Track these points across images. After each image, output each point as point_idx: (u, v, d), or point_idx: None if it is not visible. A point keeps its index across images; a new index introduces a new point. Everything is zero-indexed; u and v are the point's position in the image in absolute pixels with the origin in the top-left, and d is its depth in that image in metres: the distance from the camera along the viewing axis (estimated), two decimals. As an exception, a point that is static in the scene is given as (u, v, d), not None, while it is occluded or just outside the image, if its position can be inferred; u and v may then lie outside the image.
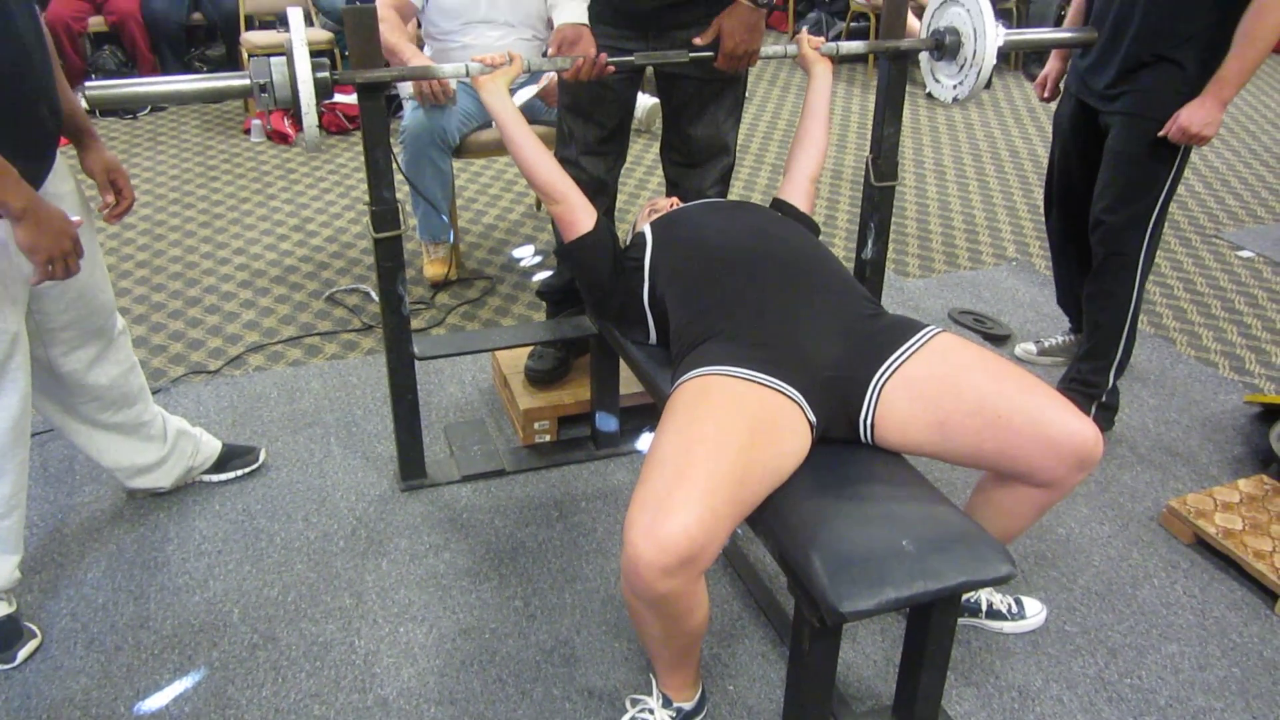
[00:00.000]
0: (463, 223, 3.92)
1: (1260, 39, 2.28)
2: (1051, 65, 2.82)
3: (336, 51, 5.26)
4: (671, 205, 2.21)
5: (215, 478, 2.46)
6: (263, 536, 2.31)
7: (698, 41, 2.30)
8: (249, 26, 5.38)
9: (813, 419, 1.66)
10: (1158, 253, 2.62)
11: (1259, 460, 2.64)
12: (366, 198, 2.16)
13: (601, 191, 2.60)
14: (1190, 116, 2.36)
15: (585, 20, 2.28)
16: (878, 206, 2.52)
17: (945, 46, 2.40)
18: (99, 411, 2.17)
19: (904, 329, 1.76)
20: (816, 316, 1.77)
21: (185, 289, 3.46)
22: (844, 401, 1.71)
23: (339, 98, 5.08)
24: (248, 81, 1.92)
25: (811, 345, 1.72)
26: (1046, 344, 3.14)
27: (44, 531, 2.31)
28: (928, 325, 1.77)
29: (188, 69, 5.48)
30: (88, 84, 1.86)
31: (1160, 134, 2.42)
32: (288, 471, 2.53)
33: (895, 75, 2.43)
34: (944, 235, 4.07)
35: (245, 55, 5.15)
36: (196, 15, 5.48)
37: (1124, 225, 2.53)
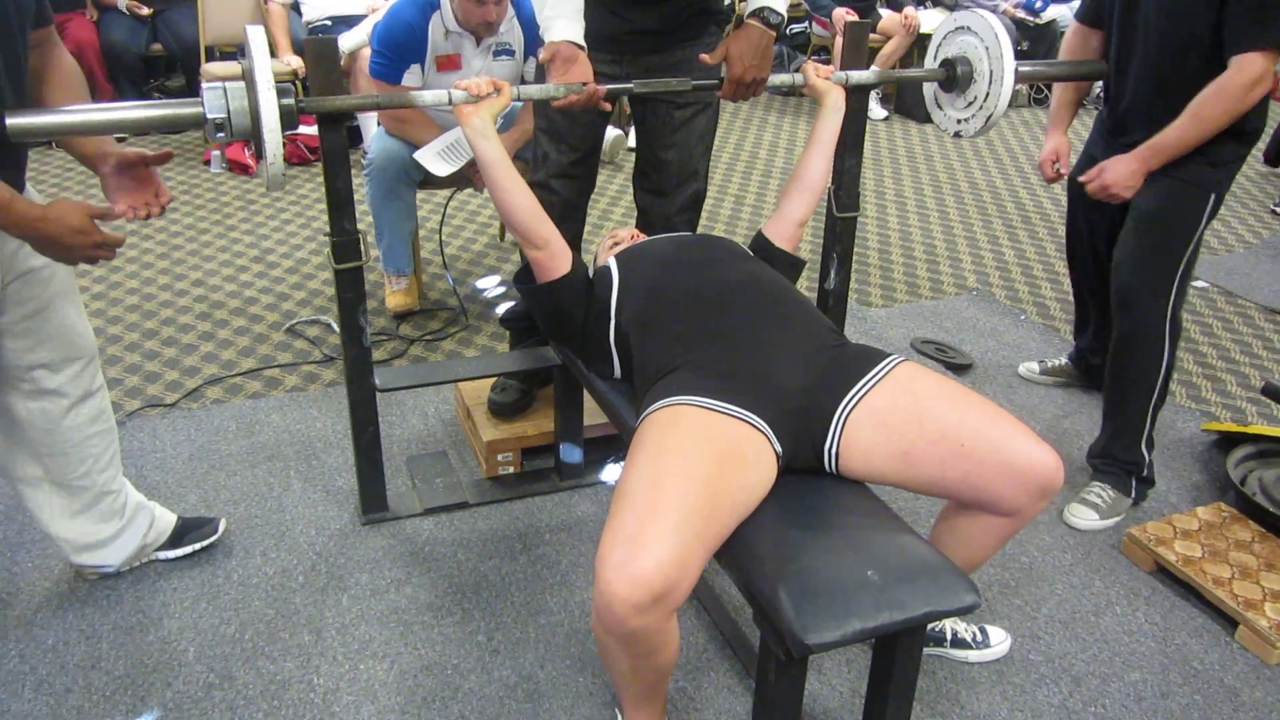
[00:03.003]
0: (425, 254, 3.90)
1: (1207, 121, 2.22)
2: (1059, 142, 2.68)
3: (298, 84, 5.24)
4: (632, 238, 2.22)
5: (170, 554, 2.28)
6: (219, 573, 2.26)
7: (706, 59, 2.22)
8: (210, 57, 5.34)
9: (779, 449, 1.66)
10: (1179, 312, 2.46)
11: (1217, 488, 2.67)
12: (328, 228, 2.14)
13: (571, 215, 2.61)
14: (1113, 173, 2.34)
15: (582, 41, 2.14)
16: (840, 237, 2.54)
17: (956, 79, 2.32)
18: (63, 470, 2.01)
19: (867, 358, 1.76)
20: (781, 347, 1.77)
21: (142, 321, 3.41)
22: (809, 431, 1.71)
23: (300, 128, 5.05)
24: (199, 110, 1.74)
25: (777, 375, 1.72)
26: (1049, 364, 3.19)
27: (-7, 570, 2.25)
28: (891, 354, 1.78)
29: (146, 100, 5.42)
30: (8, 113, 1.61)
31: (1081, 179, 2.42)
32: (246, 506, 2.48)
33: (855, 108, 2.45)
34: (905, 265, 4.10)
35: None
36: (156, 46, 5.43)
37: (1147, 291, 2.41)
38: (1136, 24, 2.33)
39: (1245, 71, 2.15)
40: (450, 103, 1.96)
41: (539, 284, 2.04)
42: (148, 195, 1.84)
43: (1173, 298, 2.41)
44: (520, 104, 3.49)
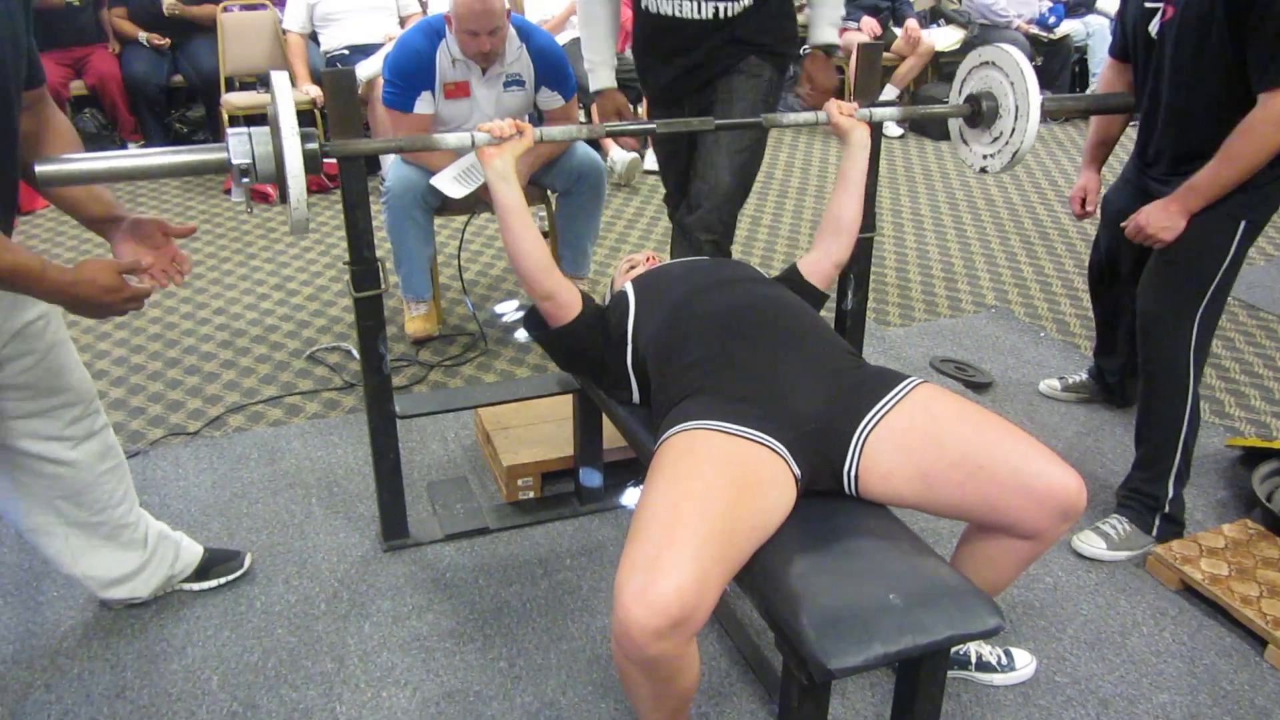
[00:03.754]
0: (443, 279, 3.92)
1: (1240, 160, 2.15)
2: (1089, 179, 2.65)
3: (317, 114, 5.29)
4: (648, 261, 2.22)
5: (196, 586, 2.28)
6: (242, 600, 2.27)
7: (800, 93, 2.82)
8: (229, 88, 5.41)
9: (797, 472, 1.66)
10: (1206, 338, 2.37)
11: (1243, 504, 2.64)
12: (347, 256, 2.16)
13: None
14: (1150, 216, 2.29)
15: (614, 83, 2.84)
16: (857, 257, 2.53)
17: (981, 114, 2.28)
18: (77, 510, 2.00)
19: (886, 380, 1.76)
20: (799, 370, 1.77)
21: (165, 350, 3.44)
22: (828, 453, 1.71)
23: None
24: (223, 155, 1.74)
25: (795, 398, 1.72)
26: (1070, 380, 3.18)
27: (17, 600, 2.27)
28: (909, 376, 1.78)
29: (168, 131, 5.49)
30: (37, 161, 1.65)
31: (1121, 225, 2.40)
32: (268, 534, 2.49)
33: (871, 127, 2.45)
34: (923, 284, 4.10)
35: (225, 117, 5.17)
36: (177, 77, 5.50)
37: (1168, 319, 2.35)
38: (1158, 58, 2.31)
39: (1271, 108, 2.09)
40: (473, 145, 1.94)
41: (550, 330, 2.03)
42: (165, 261, 1.83)
43: (1196, 327, 2.32)
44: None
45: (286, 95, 1.73)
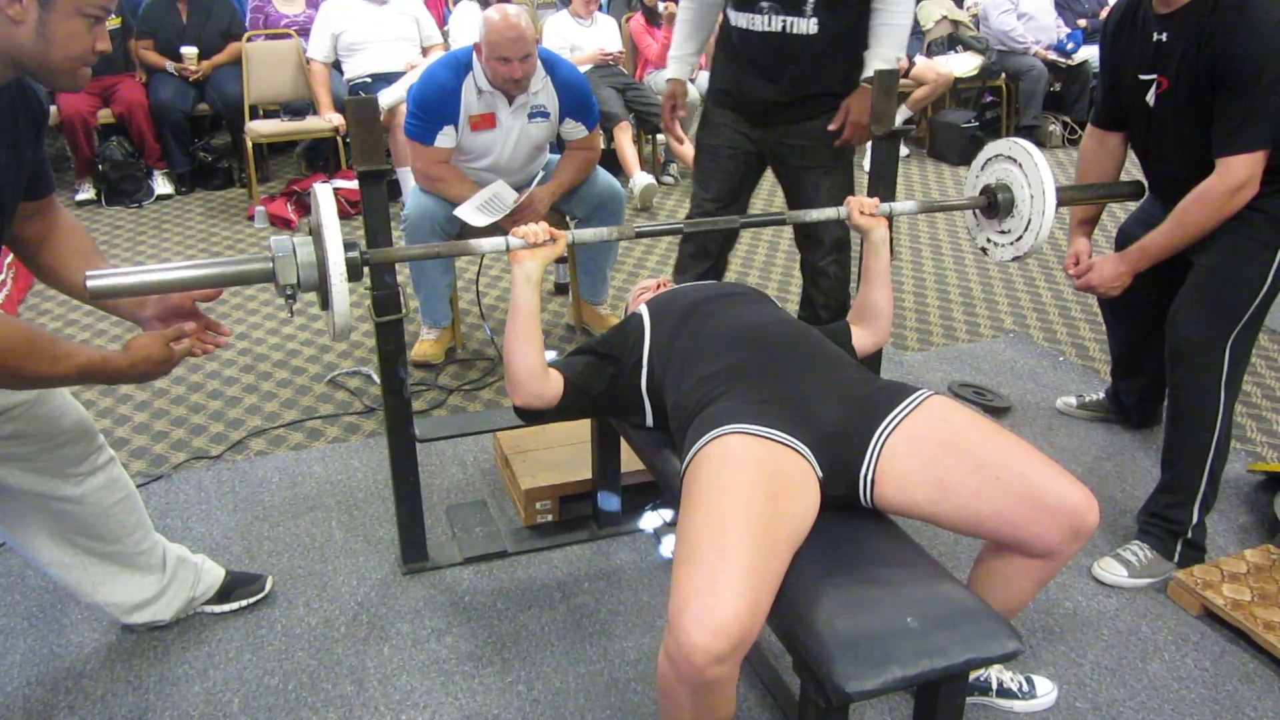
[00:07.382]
0: (463, 304, 3.95)
1: (1190, 225, 2.25)
2: (1081, 245, 2.60)
3: (340, 140, 5.36)
4: (659, 286, 2.26)
5: (218, 609, 2.30)
6: (263, 624, 2.29)
7: (831, 128, 2.82)
8: (253, 116, 5.48)
9: (820, 473, 1.69)
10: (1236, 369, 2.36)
11: (1265, 529, 2.63)
12: (368, 282, 2.18)
13: (704, 253, 3.07)
14: (1100, 273, 2.40)
15: (687, 83, 3.17)
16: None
17: (997, 206, 2.28)
18: (91, 541, 2.03)
19: (899, 391, 1.80)
20: (814, 382, 1.81)
21: (188, 374, 3.48)
22: (845, 459, 1.73)
23: (341, 183, 5.16)
24: (266, 265, 1.74)
25: (812, 404, 1.76)
26: (1087, 399, 3.19)
27: (41, 623, 2.29)
28: (921, 389, 1.79)
29: (192, 159, 5.57)
30: (89, 274, 1.67)
31: (1070, 273, 2.46)
32: (288, 557, 2.51)
33: (888, 153, 2.47)
34: (941, 308, 4.10)
35: (249, 144, 5.24)
36: (202, 105, 5.59)
37: (1201, 345, 2.33)
38: (1159, 126, 2.34)
39: (1227, 178, 2.15)
40: (508, 249, 1.91)
41: (545, 413, 2.00)
42: (201, 330, 1.86)
43: (1228, 353, 2.31)
44: (558, 156, 3.55)
45: (330, 207, 1.74)
